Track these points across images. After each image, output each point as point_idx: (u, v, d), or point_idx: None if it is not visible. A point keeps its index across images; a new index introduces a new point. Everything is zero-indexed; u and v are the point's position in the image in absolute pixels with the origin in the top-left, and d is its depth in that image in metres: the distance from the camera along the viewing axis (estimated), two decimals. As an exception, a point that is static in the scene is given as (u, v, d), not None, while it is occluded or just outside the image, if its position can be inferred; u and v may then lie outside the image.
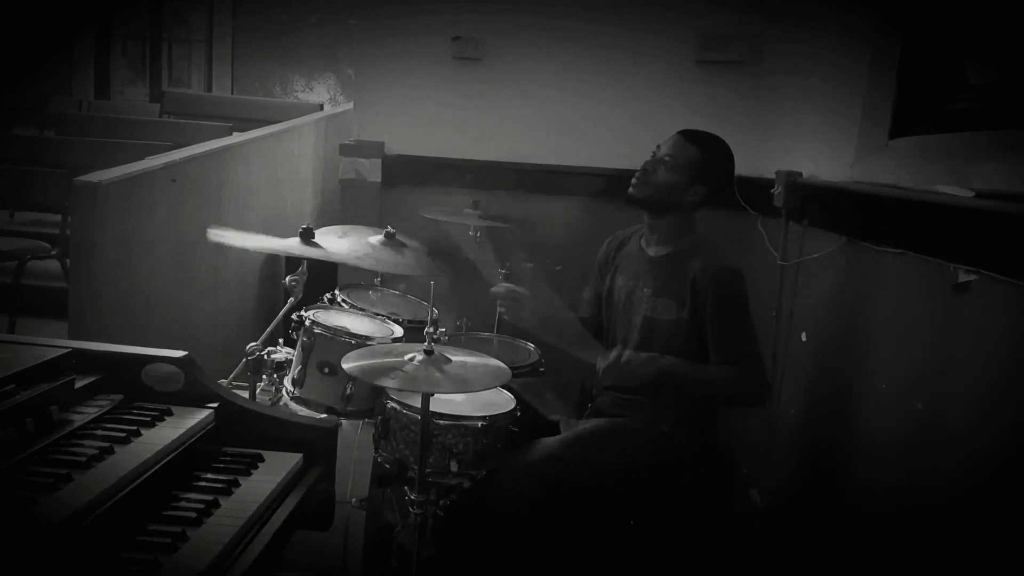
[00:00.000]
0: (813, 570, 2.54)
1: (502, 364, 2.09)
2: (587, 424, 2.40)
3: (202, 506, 1.43)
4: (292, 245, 2.38)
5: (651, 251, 2.45)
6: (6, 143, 5.32)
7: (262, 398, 2.42)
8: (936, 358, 1.98)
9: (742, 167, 3.21)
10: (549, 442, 2.27)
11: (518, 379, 2.41)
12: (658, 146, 2.42)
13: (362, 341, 2.38)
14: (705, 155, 2.37)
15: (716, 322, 2.29)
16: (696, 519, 2.37)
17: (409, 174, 3.51)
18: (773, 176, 2.91)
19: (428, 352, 1.99)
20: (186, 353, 1.74)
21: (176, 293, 3.07)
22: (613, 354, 2.29)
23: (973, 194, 1.96)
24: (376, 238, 2.64)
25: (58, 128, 6.27)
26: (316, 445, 1.75)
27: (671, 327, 2.34)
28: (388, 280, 3.01)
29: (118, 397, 1.68)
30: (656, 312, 2.37)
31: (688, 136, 2.39)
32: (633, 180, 2.41)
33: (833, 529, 2.42)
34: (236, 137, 4.40)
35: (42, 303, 3.97)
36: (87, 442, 1.47)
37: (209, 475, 1.57)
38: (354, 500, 2.22)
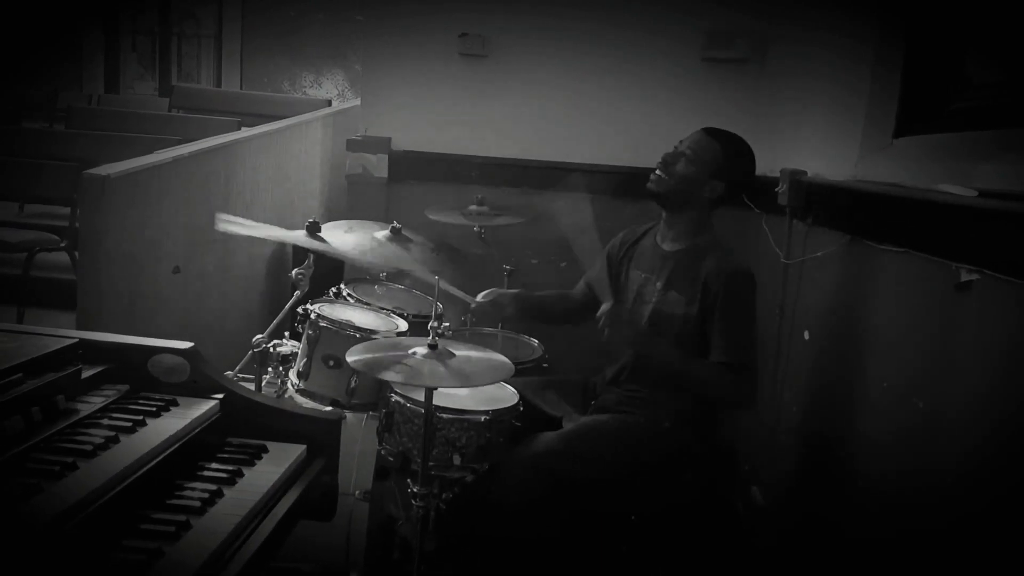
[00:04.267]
0: (815, 568, 2.54)
1: (505, 359, 2.10)
2: (589, 419, 2.41)
3: (206, 495, 1.44)
4: (299, 236, 2.39)
5: (666, 246, 2.47)
6: (16, 136, 5.34)
7: (267, 390, 2.44)
8: (938, 357, 1.99)
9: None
10: (550, 436, 2.27)
11: (520, 377, 2.42)
12: (680, 140, 2.44)
13: (367, 335, 2.39)
14: (726, 151, 2.38)
15: (722, 324, 2.29)
16: (698, 517, 2.38)
17: (415, 170, 3.53)
18: (777, 174, 2.91)
19: (432, 346, 2.01)
20: (192, 345, 1.75)
21: (183, 285, 3.09)
22: (613, 308, 2.31)
23: (976, 193, 1.96)
24: (382, 233, 2.65)
25: (67, 122, 6.29)
26: (320, 437, 1.75)
27: (677, 321, 2.35)
28: (393, 275, 3.02)
29: (124, 387, 1.68)
30: (665, 306, 2.38)
31: (710, 132, 2.40)
32: (653, 174, 2.43)
33: (835, 527, 2.43)
34: (244, 132, 4.41)
35: (51, 295, 4.00)
36: (93, 431, 1.48)
37: (213, 465, 1.58)
38: (357, 492, 2.23)
